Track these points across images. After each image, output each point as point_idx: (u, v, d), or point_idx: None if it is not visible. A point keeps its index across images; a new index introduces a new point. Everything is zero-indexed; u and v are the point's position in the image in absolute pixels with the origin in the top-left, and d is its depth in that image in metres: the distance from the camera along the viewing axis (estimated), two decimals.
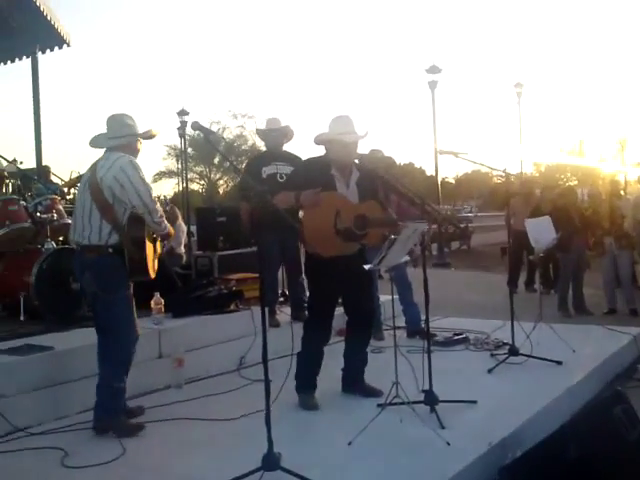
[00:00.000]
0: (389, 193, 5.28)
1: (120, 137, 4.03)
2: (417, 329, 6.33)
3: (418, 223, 4.22)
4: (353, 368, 4.62)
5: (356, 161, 4.46)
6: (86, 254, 3.94)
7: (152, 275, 4.12)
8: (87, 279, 3.93)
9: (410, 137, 66.71)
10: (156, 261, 4.23)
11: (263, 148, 6.92)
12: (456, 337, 6.18)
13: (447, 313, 7.57)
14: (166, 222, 4.10)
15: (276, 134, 6.22)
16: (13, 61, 10.66)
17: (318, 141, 4.44)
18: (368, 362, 4.66)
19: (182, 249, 10.09)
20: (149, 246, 4.05)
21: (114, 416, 3.86)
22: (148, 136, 4.23)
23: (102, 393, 3.87)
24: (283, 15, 62.86)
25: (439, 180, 19.74)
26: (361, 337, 4.61)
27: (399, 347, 4.19)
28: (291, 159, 6.15)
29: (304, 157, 6.14)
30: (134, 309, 4.04)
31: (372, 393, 4.46)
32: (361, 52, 67.47)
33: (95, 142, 4.11)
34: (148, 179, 4.28)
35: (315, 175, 4.27)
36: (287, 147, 6.34)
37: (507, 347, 5.46)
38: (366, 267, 4.25)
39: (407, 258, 4.56)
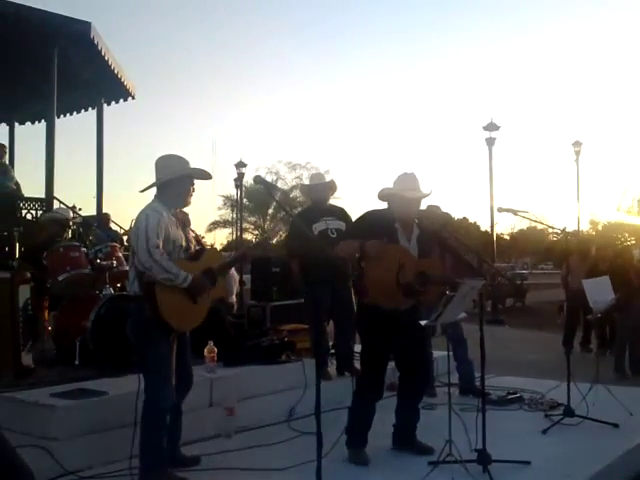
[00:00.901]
0: (445, 253, 5.23)
1: (151, 185, 4.00)
2: (470, 387, 6.19)
3: (475, 280, 4.19)
4: (405, 424, 4.53)
5: (416, 220, 4.48)
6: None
7: (181, 327, 3.91)
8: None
9: (464, 192, 66.50)
10: (197, 312, 3.98)
11: None
12: (510, 396, 6.03)
13: (501, 371, 7.39)
14: (180, 275, 3.74)
15: (322, 189, 6.27)
16: (79, 112, 11.17)
17: (381, 196, 4.47)
18: (420, 419, 4.57)
19: (233, 298, 10.19)
20: (175, 297, 3.79)
21: (153, 469, 3.78)
22: (168, 181, 3.94)
23: (140, 445, 3.82)
24: (342, 69, 64.30)
25: (494, 236, 19.56)
26: (414, 394, 4.54)
27: (452, 405, 4.11)
28: (338, 213, 6.19)
29: (348, 210, 6.24)
30: (170, 365, 3.87)
31: (424, 450, 4.36)
32: (419, 108, 68.25)
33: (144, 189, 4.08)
34: (202, 229, 4.28)
35: (379, 226, 4.29)
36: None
37: (562, 408, 5.30)
38: (422, 323, 4.22)
39: (464, 315, 4.51)
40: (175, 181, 3.91)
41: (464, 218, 49.09)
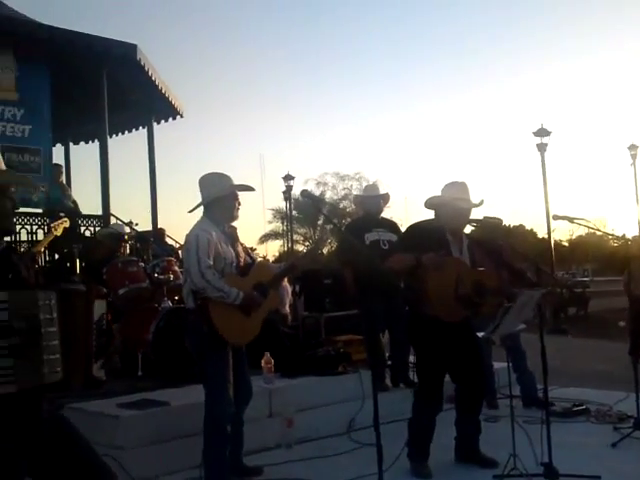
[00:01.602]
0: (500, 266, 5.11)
1: (198, 205, 4.09)
2: (533, 398, 6.06)
3: (534, 291, 4.11)
4: (466, 437, 4.45)
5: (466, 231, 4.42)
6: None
7: (236, 342, 3.97)
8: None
9: (520, 199, 65.40)
10: (252, 325, 4.04)
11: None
12: (576, 408, 5.85)
13: (564, 382, 7.20)
14: (231, 293, 3.83)
15: (376, 200, 6.26)
16: (130, 131, 11.46)
17: (429, 204, 4.42)
18: (483, 431, 4.48)
19: (287, 309, 10.22)
20: (229, 312, 3.86)
21: (218, 478, 3.83)
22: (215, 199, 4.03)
23: (203, 456, 3.87)
24: (390, 77, 64.21)
25: (552, 243, 19.19)
26: (472, 406, 4.45)
27: (515, 417, 4.03)
28: (390, 225, 6.17)
29: (398, 222, 6.21)
30: (228, 377, 3.89)
31: (488, 464, 4.27)
32: (469, 115, 67.71)
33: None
34: (254, 242, 4.34)
35: (430, 238, 4.23)
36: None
37: (632, 420, 5.12)
38: (480, 335, 4.16)
39: (522, 326, 4.42)
40: (220, 199, 4.01)
41: (520, 225, 48.18)
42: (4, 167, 2.50)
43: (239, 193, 4.11)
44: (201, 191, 4.08)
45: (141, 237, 8.72)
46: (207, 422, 3.86)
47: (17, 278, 2.36)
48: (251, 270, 4.13)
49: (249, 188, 4.20)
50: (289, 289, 11.40)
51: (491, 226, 5.09)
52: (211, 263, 3.83)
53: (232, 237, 4.19)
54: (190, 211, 4.15)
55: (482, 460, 4.35)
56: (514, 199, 64.17)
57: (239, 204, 4.11)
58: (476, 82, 64.49)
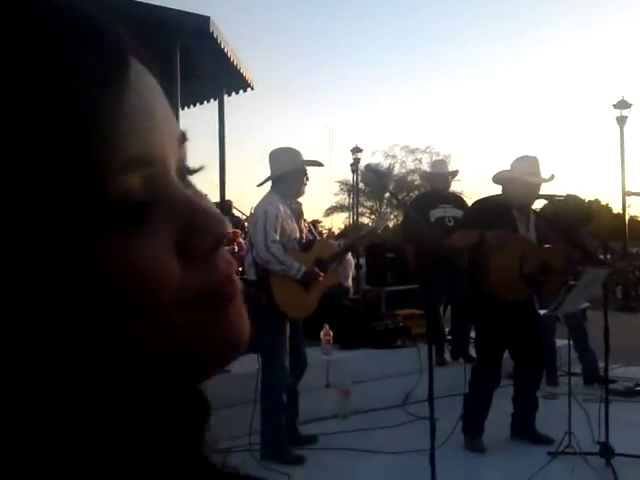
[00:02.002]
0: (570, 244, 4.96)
1: (266, 179, 4.17)
2: (595, 376, 5.95)
3: (599, 269, 4.02)
4: (522, 413, 4.43)
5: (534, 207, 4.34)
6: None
7: (294, 316, 4.08)
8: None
9: (596, 173, 63.15)
10: (310, 300, 4.13)
11: None
12: (638, 387, 5.73)
13: (629, 362, 7.03)
14: (294, 267, 3.93)
15: (444, 177, 6.19)
16: (202, 103, 11.60)
17: (497, 179, 4.36)
18: (540, 408, 4.45)
19: (349, 282, 10.29)
20: (288, 286, 3.97)
21: (274, 445, 3.99)
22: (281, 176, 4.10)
23: (261, 423, 4.02)
24: (463, 51, 62.76)
25: (627, 220, 18.55)
26: (529, 383, 4.42)
27: (574, 395, 3.98)
28: (457, 201, 6.10)
29: (466, 198, 6.12)
30: (283, 348, 4.01)
31: (542, 440, 4.25)
32: (544, 87, 65.60)
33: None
34: (319, 214, 4.40)
35: (495, 215, 4.16)
36: None
37: None
38: (542, 312, 4.11)
39: (586, 304, 4.33)
40: (289, 174, 4.05)
41: (595, 200, 46.70)
42: None
43: (308, 168, 4.16)
44: (270, 165, 4.14)
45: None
46: (263, 391, 4.00)
47: None
48: (313, 246, 4.20)
49: (318, 163, 4.26)
50: (352, 262, 11.48)
51: (575, 204, 4.96)
52: (277, 237, 3.91)
53: (298, 213, 4.24)
54: (259, 185, 4.23)
55: (537, 437, 4.33)
56: (590, 173, 62.02)
57: (307, 179, 4.16)
58: (554, 52, 62.39)
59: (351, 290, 9.82)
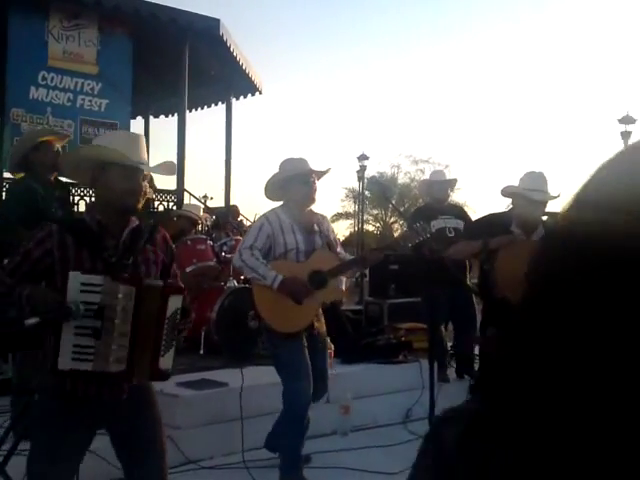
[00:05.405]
0: None
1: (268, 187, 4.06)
2: None
3: None
4: None
5: (544, 218, 4.26)
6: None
7: (282, 329, 3.80)
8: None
9: None
10: (302, 313, 3.87)
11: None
12: None
13: None
14: (268, 276, 3.72)
15: (443, 187, 6.12)
16: (209, 106, 11.56)
17: (505, 193, 4.31)
18: None
19: (343, 287, 10.23)
20: (274, 297, 3.78)
21: (288, 470, 3.82)
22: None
23: (280, 445, 3.88)
24: (468, 64, 62.78)
25: None
26: None
27: None
28: (457, 212, 6.03)
29: (469, 209, 6.06)
30: (299, 363, 3.78)
31: None
32: (548, 101, 65.53)
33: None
34: None
35: (495, 228, 4.13)
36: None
37: None
38: None
39: None
40: (289, 184, 3.92)
41: None
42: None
43: (317, 178, 4.00)
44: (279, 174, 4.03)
45: (221, 217, 8.77)
46: (283, 410, 3.85)
47: (121, 264, 2.49)
48: (310, 257, 3.93)
49: (323, 172, 4.07)
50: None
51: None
52: (254, 244, 3.76)
53: (312, 225, 4.00)
54: (268, 197, 4.07)
55: None
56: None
57: (312, 189, 3.95)
58: (559, 67, 62.30)
59: (343, 295, 9.77)
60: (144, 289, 2.45)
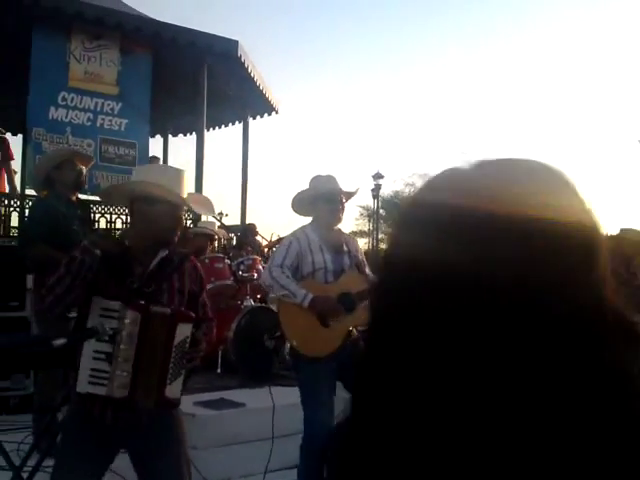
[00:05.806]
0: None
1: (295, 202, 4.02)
2: None
3: None
4: None
5: None
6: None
7: (308, 353, 3.67)
8: None
9: (627, 203, 62.61)
10: (330, 337, 3.71)
11: None
12: None
13: None
14: (298, 293, 3.63)
15: None
16: (227, 125, 11.65)
17: None
18: None
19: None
20: (302, 319, 3.67)
21: None
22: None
23: (298, 470, 3.74)
24: (484, 78, 62.95)
25: None
26: None
27: None
28: None
29: None
30: (319, 390, 3.61)
31: None
32: (572, 119, 65.30)
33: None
34: None
35: None
36: None
37: None
38: None
39: None
40: (317, 201, 3.87)
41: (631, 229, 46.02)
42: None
43: (345, 198, 3.92)
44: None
45: (242, 237, 8.77)
46: (304, 438, 3.66)
47: (140, 291, 2.51)
48: (339, 278, 3.82)
49: (352, 192, 3.99)
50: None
51: (632, 240, 4.75)
52: (285, 262, 3.69)
53: (335, 242, 3.91)
54: (297, 212, 4.02)
55: None
56: (620, 203, 61.43)
57: (339, 208, 3.87)
58: (582, 85, 62.15)
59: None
60: (151, 315, 2.46)
